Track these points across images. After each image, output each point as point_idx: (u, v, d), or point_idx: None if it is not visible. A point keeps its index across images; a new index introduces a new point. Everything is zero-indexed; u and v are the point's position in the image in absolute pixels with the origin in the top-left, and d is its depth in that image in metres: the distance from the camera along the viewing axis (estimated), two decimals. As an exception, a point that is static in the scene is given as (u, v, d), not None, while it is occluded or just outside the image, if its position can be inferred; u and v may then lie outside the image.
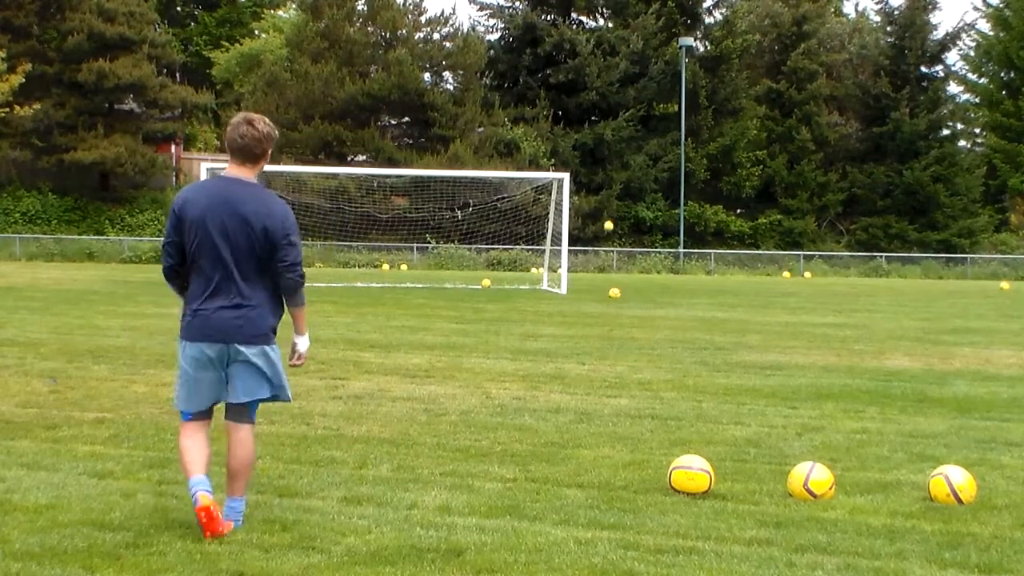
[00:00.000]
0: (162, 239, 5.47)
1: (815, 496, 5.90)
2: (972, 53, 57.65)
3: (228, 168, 5.09)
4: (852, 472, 6.64)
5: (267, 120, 5.10)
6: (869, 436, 7.88)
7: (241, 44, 54.22)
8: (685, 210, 47.64)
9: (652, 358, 12.48)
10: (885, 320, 19.33)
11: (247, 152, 5.03)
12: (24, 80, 40.02)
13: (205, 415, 5.32)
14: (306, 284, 5.19)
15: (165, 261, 5.15)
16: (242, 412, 5.24)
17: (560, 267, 27.13)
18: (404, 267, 39.67)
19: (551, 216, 29.06)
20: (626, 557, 4.84)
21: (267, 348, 5.10)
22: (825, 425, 8.30)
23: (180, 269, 5.12)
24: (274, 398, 5.25)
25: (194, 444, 5.19)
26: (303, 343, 5.28)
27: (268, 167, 32.96)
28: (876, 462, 6.99)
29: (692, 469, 6.05)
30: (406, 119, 48.47)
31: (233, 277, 4.97)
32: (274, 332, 5.15)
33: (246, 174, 5.07)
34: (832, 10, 57.04)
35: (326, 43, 45.84)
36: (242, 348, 5.04)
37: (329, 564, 4.65)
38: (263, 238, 4.94)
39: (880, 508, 5.81)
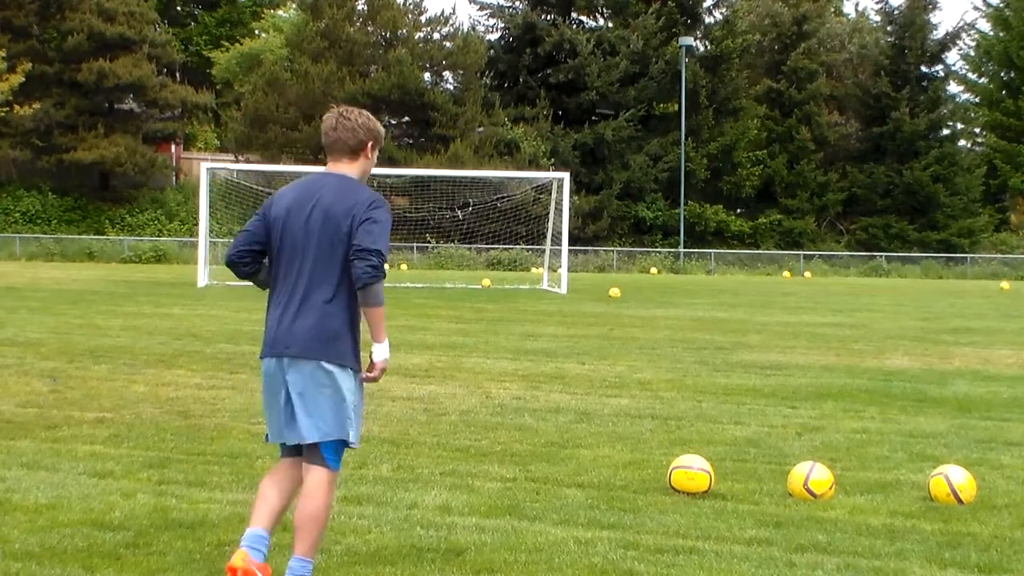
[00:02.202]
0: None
1: (815, 496, 5.90)
2: (972, 53, 57.66)
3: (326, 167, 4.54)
4: (852, 472, 6.64)
5: (366, 113, 4.52)
6: (869, 436, 7.88)
7: (241, 44, 54.19)
8: (685, 210, 47.64)
9: (652, 358, 12.48)
10: (885, 320, 19.33)
11: (341, 145, 4.43)
12: (24, 80, 40.02)
13: (291, 451, 4.44)
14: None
15: (229, 250, 4.51)
16: (312, 451, 4.34)
17: (560, 267, 27.13)
18: (404, 267, 39.66)
19: (551, 216, 29.06)
20: (626, 557, 4.84)
21: (333, 366, 4.34)
22: (825, 425, 8.30)
23: (243, 263, 4.45)
24: (339, 441, 4.37)
25: (268, 486, 4.43)
26: (379, 352, 4.44)
27: (269, 167, 32.82)
28: (876, 462, 6.99)
29: (692, 469, 6.05)
30: (406, 119, 48.46)
31: (304, 279, 4.30)
32: (353, 353, 4.40)
33: (343, 169, 4.44)
34: (832, 10, 57.04)
35: (326, 43, 45.82)
36: (302, 362, 4.28)
37: (329, 564, 4.65)
38: (341, 226, 4.23)
39: (880, 508, 5.81)
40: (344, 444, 4.39)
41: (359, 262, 4.18)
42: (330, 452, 4.33)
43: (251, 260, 4.45)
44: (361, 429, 4.54)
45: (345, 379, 4.38)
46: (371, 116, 4.52)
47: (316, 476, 4.29)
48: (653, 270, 43.82)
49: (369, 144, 4.45)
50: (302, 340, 4.26)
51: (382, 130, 4.55)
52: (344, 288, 4.29)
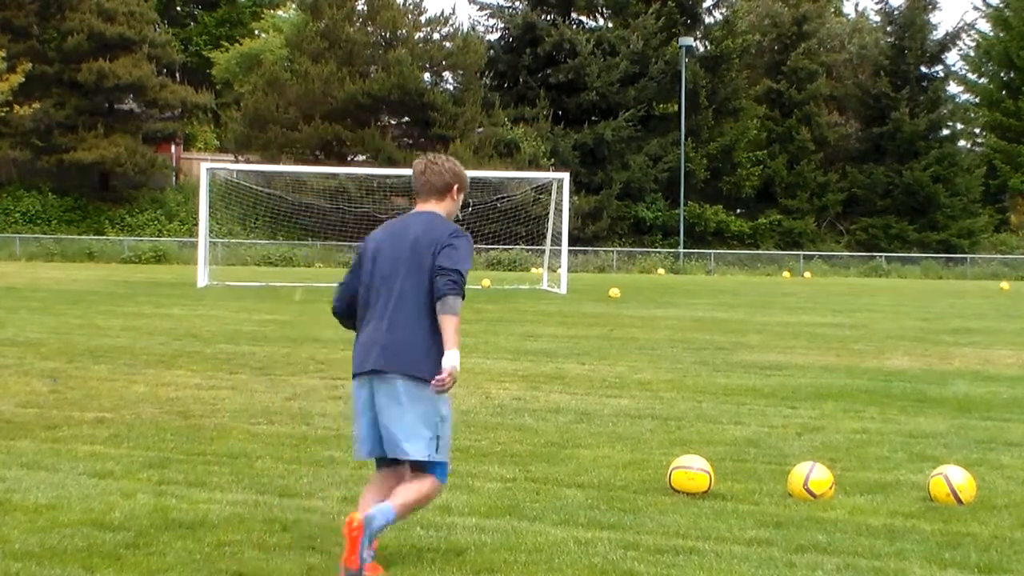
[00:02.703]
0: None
1: (815, 496, 5.90)
2: (972, 53, 57.65)
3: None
4: (852, 472, 6.64)
5: (452, 159, 4.93)
6: (869, 436, 7.88)
7: (241, 44, 54.18)
8: (685, 210, 47.63)
9: (652, 358, 12.48)
10: (885, 320, 19.33)
11: (429, 188, 4.82)
12: (24, 80, 40.01)
13: (388, 463, 4.68)
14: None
15: (334, 300, 4.94)
16: (419, 466, 4.63)
17: (560, 267, 27.13)
18: (404, 267, 39.60)
19: (551, 216, 29.05)
20: (626, 557, 4.84)
21: (416, 384, 4.53)
22: (825, 425, 8.30)
23: (346, 310, 4.86)
24: (428, 462, 4.58)
25: (369, 499, 4.66)
26: (449, 359, 4.53)
27: (269, 167, 32.83)
28: (876, 462, 6.99)
29: (692, 469, 6.05)
30: (406, 119, 48.45)
31: (392, 304, 4.61)
32: (435, 371, 4.53)
33: (430, 208, 4.83)
34: (832, 10, 57.03)
35: (326, 43, 45.82)
36: (395, 378, 4.53)
37: (329, 564, 4.65)
38: (425, 254, 4.59)
39: (880, 508, 5.81)
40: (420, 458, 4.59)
41: (440, 278, 4.53)
42: (438, 469, 4.64)
43: (348, 307, 4.85)
44: (449, 443, 4.73)
45: (429, 397, 4.58)
46: (457, 162, 4.92)
47: (424, 479, 4.60)
48: (660, 270, 43.84)
49: (455, 187, 4.85)
50: (393, 358, 4.55)
51: (467, 176, 4.95)
52: (429, 312, 4.60)
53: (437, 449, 4.57)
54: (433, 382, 4.49)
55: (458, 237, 4.66)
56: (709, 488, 6.00)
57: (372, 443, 4.63)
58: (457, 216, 4.96)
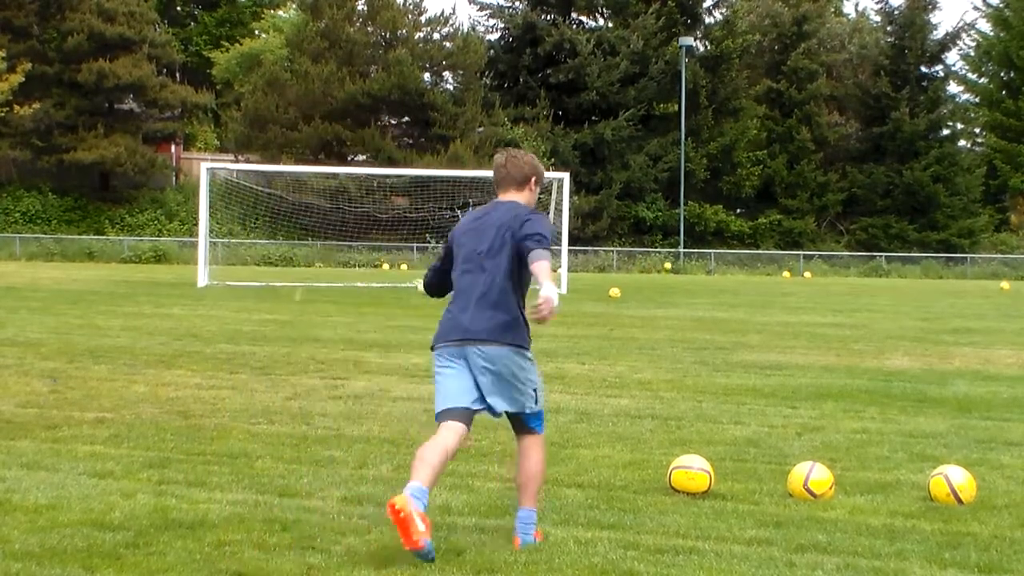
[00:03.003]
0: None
1: (815, 496, 5.89)
2: (972, 53, 57.66)
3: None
4: (852, 472, 6.64)
5: (531, 155, 5.35)
6: (869, 436, 7.87)
7: (241, 44, 54.20)
8: (685, 210, 47.64)
9: (652, 358, 12.48)
10: (885, 320, 19.33)
11: (509, 179, 5.19)
12: (24, 80, 40.01)
13: (458, 417, 5.02)
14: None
15: (426, 280, 5.46)
16: (518, 422, 5.14)
17: (560, 267, 27.13)
18: (404, 267, 39.66)
19: (551, 216, 29.05)
20: (626, 557, 4.84)
21: (514, 349, 5.01)
22: (825, 425, 8.30)
23: (436, 291, 5.42)
24: (527, 417, 5.07)
25: (429, 449, 4.94)
26: (546, 289, 4.79)
27: (269, 167, 32.93)
28: (876, 462, 6.99)
29: (692, 469, 6.05)
30: (406, 119, 48.47)
31: (482, 281, 5.01)
32: (527, 338, 5.11)
33: (510, 198, 5.19)
34: (832, 10, 57.05)
35: (326, 43, 45.83)
36: (491, 346, 4.95)
37: (329, 564, 4.65)
38: (507, 233, 4.97)
39: (880, 508, 5.81)
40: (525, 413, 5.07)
41: (526, 242, 4.89)
42: (535, 420, 5.10)
43: (439, 282, 5.36)
44: (544, 396, 5.24)
45: (524, 359, 5.06)
46: (534, 156, 5.36)
47: (528, 441, 5.09)
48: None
49: (533, 179, 5.21)
50: (487, 329, 4.94)
51: (543, 169, 5.32)
52: (516, 284, 5.05)
53: (536, 401, 5.06)
54: (535, 305, 4.76)
55: (534, 213, 5.06)
56: (709, 488, 5.99)
57: (459, 399, 4.96)
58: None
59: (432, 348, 5.09)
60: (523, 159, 5.23)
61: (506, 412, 5.06)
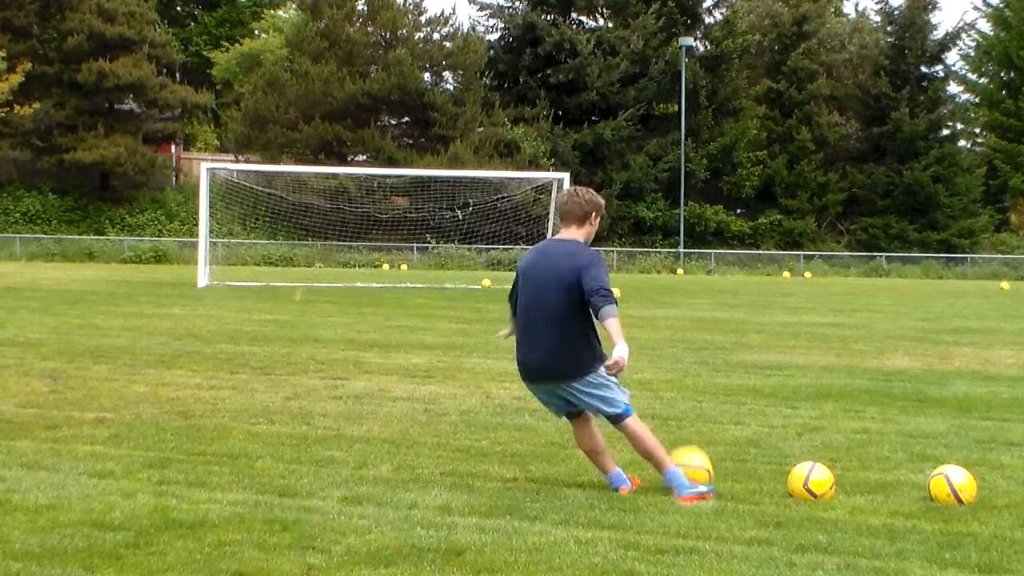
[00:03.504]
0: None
1: (815, 496, 5.89)
2: (972, 53, 57.62)
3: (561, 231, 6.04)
4: (852, 472, 6.64)
5: (592, 191, 6.05)
6: (869, 436, 7.88)
7: (241, 44, 54.17)
8: (685, 210, 47.63)
9: (652, 358, 12.48)
10: (885, 320, 19.33)
11: (570, 215, 5.96)
12: (24, 80, 40.00)
13: (575, 417, 6.11)
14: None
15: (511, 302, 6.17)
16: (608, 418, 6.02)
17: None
18: (404, 267, 39.67)
19: (551, 216, 29.05)
20: (626, 557, 4.84)
21: (588, 377, 5.81)
22: (825, 425, 8.30)
23: (514, 311, 6.11)
24: (612, 416, 5.94)
25: (583, 445, 6.13)
26: (619, 350, 5.52)
27: (269, 167, 32.99)
28: (876, 462, 6.99)
29: (692, 466, 6.05)
30: (406, 119, 48.46)
31: (542, 319, 5.83)
32: (593, 359, 5.82)
33: (572, 233, 5.96)
34: (832, 10, 57.02)
35: (326, 43, 45.82)
36: (554, 380, 5.88)
37: (329, 564, 4.65)
38: (568, 276, 5.71)
39: (880, 508, 5.81)
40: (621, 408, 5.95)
41: (593, 298, 5.62)
42: (619, 412, 5.92)
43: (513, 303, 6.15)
44: (625, 391, 6.04)
45: (595, 378, 5.83)
46: (595, 193, 6.04)
47: (626, 426, 5.94)
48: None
49: (593, 214, 5.96)
50: (558, 367, 5.82)
51: (602, 202, 6.07)
52: (575, 320, 5.77)
53: (614, 403, 5.88)
54: (608, 365, 5.60)
55: (594, 261, 5.77)
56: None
57: (560, 409, 6.07)
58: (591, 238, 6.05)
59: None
60: (584, 197, 5.94)
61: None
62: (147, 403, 8.70)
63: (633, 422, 5.94)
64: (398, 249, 42.02)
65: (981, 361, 12.86)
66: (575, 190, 6.04)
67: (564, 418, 6.19)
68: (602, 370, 5.77)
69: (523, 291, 5.94)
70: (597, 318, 5.62)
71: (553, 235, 6.07)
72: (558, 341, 5.76)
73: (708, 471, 6.06)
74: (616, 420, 5.93)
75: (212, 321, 16.09)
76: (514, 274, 6.11)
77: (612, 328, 5.53)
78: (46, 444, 7.03)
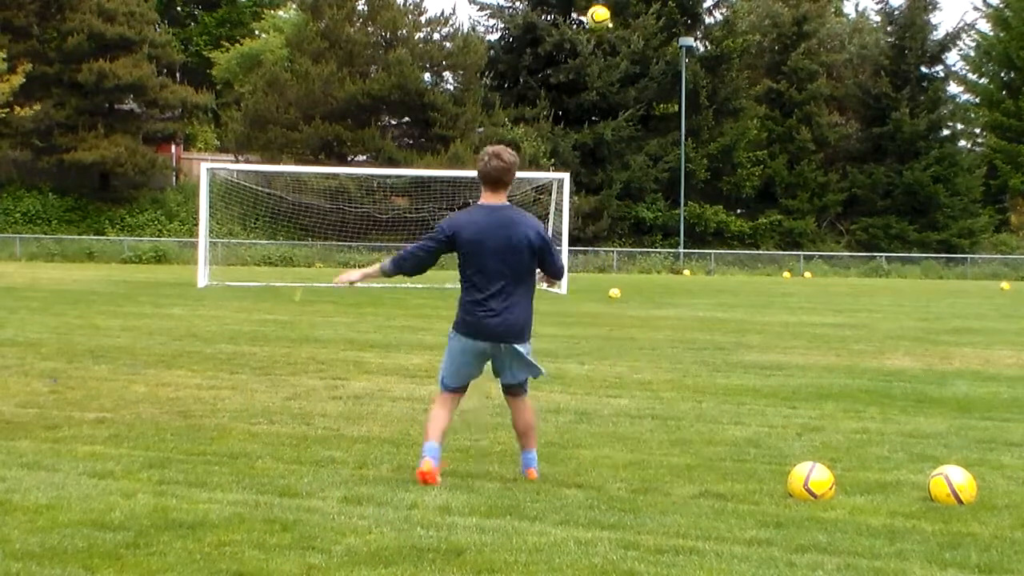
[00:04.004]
0: (427, 245, 6.22)
1: (815, 496, 5.89)
2: (972, 53, 57.62)
3: (484, 196, 6.14)
4: (852, 472, 6.64)
5: (510, 151, 6.14)
6: (869, 436, 7.88)
7: (241, 44, 54.17)
8: (685, 210, 47.63)
9: (652, 358, 12.48)
10: (885, 320, 19.33)
11: (498, 181, 6.09)
12: (24, 80, 39.99)
13: (461, 391, 6.39)
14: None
15: (412, 261, 6.22)
16: (517, 388, 6.32)
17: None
18: (404, 267, 39.57)
19: (551, 216, 29.05)
20: (626, 557, 4.84)
21: (527, 344, 6.20)
22: (825, 425, 8.30)
23: (413, 273, 6.28)
24: (533, 376, 6.32)
25: (442, 413, 6.28)
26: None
27: (269, 167, 33.02)
28: (876, 462, 6.99)
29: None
30: (406, 119, 48.45)
31: (509, 288, 6.07)
32: (530, 331, 6.23)
33: (500, 199, 6.14)
34: (832, 10, 57.01)
35: (326, 43, 45.80)
36: (514, 345, 6.11)
37: (329, 564, 4.65)
38: (532, 253, 6.08)
39: (880, 508, 5.81)
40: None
41: (556, 270, 6.32)
42: (526, 384, 6.37)
43: (416, 274, 6.37)
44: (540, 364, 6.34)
45: (528, 346, 6.25)
46: (514, 152, 6.18)
47: (522, 400, 6.36)
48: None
49: (514, 176, 6.15)
50: (513, 331, 6.11)
51: (517, 159, 6.22)
52: (532, 285, 6.24)
53: (537, 369, 6.25)
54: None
55: (549, 237, 6.24)
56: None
57: (463, 379, 6.30)
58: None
59: None
60: (508, 161, 6.08)
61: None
62: (147, 403, 8.70)
63: (528, 398, 6.42)
64: (398, 249, 41.90)
65: (981, 361, 12.86)
66: (497, 152, 6.08)
67: (449, 391, 6.34)
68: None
69: (483, 258, 6.03)
70: (559, 279, 6.50)
71: (478, 202, 6.17)
72: (525, 303, 6.16)
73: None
74: (524, 388, 6.32)
75: (212, 321, 16.08)
76: (440, 238, 6.14)
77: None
78: (46, 444, 7.03)
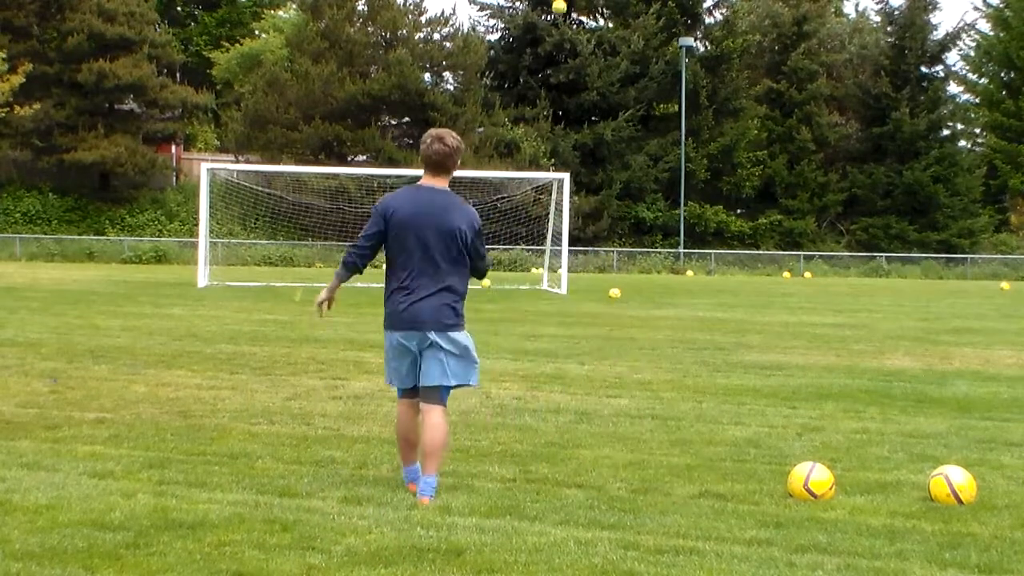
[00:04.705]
0: (366, 232, 5.92)
1: (815, 496, 5.89)
2: (972, 53, 57.63)
3: (424, 179, 5.84)
4: (852, 472, 6.64)
5: (455, 135, 5.83)
6: (869, 436, 7.87)
7: (241, 44, 54.17)
8: (685, 210, 47.63)
9: (652, 358, 12.47)
10: (885, 320, 19.33)
11: (440, 165, 5.80)
12: (24, 80, 40.01)
13: (413, 392, 5.88)
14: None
15: (355, 252, 5.87)
16: (432, 395, 5.76)
17: (560, 267, 27.13)
18: (404, 267, 39.59)
19: (551, 216, 29.05)
20: (626, 557, 4.84)
21: (459, 339, 5.72)
22: (825, 425, 8.30)
23: (362, 264, 5.89)
24: (459, 385, 5.80)
25: (403, 423, 5.91)
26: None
27: (269, 167, 33.03)
28: (876, 462, 6.99)
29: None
30: (406, 119, 48.45)
31: (428, 273, 5.69)
32: (463, 318, 5.80)
33: (440, 183, 5.83)
34: (832, 10, 57.02)
35: (326, 43, 45.82)
36: (436, 336, 5.66)
37: (329, 564, 4.65)
38: (465, 239, 5.73)
39: (880, 508, 5.81)
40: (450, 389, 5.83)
41: (481, 262, 5.91)
42: (445, 393, 5.80)
43: (364, 264, 5.94)
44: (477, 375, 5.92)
45: (459, 339, 5.74)
46: (458, 137, 5.86)
47: (436, 411, 5.73)
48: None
49: (458, 161, 5.84)
50: (435, 318, 5.67)
51: (463, 145, 5.90)
52: (458, 278, 5.77)
53: (469, 374, 5.81)
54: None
55: (480, 227, 5.85)
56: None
57: (412, 379, 5.79)
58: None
59: None
60: (452, 146, 5.77)
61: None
62: (147, 403, 8.70)
63: (446, 415, 5.82)
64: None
65: (981, 361, 12.86)
66: (440, 136, 5.77)
67: (400, 395, 5.94)
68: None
69: (410, 240, 5.69)
70: (481, 275, 6.01)
71: (420, 184, 5.82)
72: (450, 294, 5.72)
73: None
74: (441, 399, 5.75)
75: (212, 321, 16.08)
76: (377, 219, 5.84)
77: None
78: (46, 444, 7.02)
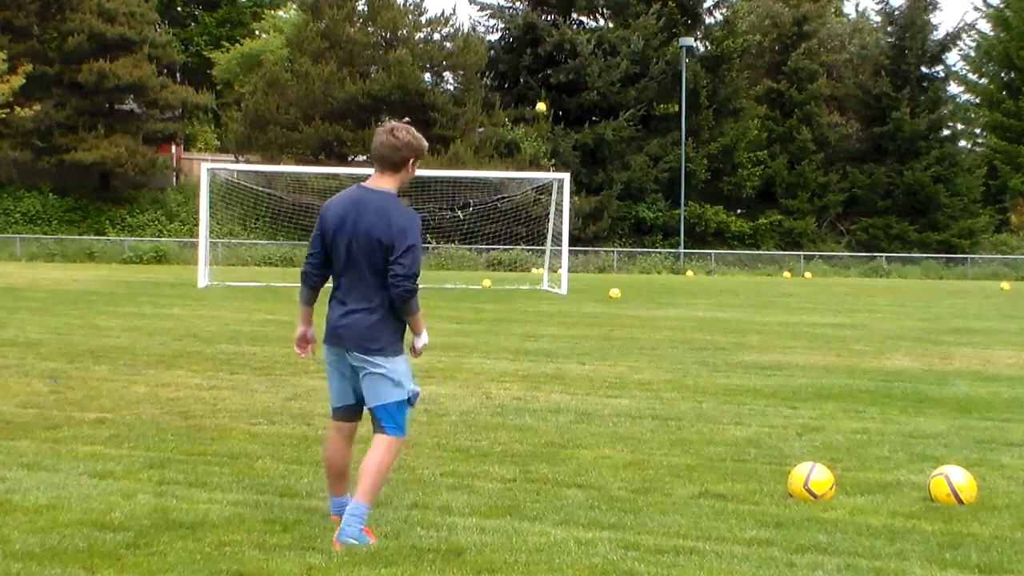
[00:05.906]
0: (311, 241, 5.46)
1: (815, 496, 5.89)
2: (972, 53, 57.62)
3: (371, 177, 5.26)
4: (852, 472, 6.64)
5: (411, 129, 5.28)
6: (869, 436, 7.87)
7: (241, 44, 54.17)
8: (685, 210, 47.63)
9: (652, 358, 12.47)
10: (885, 320, 19.33)
11: (384, 160, 5.19)
12: (25, 81, 40.00)
13: (347, 416, 5.38)
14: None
15: (307, 263, 5.35)
16: (375, 419, 5.29)
17: (560, 267, 27.13)
18: (404, 267, 39.55)
19: (551, 216, 29.05)
20: (626, 557, 4.84)
21: (382, 358, 5.13)
22: (825, 425, 8.30)
23: (317, 274, 5.30)
24: (398, 404, 5.25)
25: (330, 450, 5.38)
26: (420, 341, 5.41)
27: (269, 167, 32.92)
28: (876, 462, 6.99)
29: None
30: (406, 119, 48.15)
31: (356, 285, 5.12)
32: (399, 340, 5.22)
33: (385, 183, 5.20)
34: (832, 10, 57.01)
35: (326, 43, 45.81)
36: (359, 355, 5.12)
37: (329, 564, 4.65)
38: (380, 249, 5.03)
39: (880, 508, 5.81)
40: (401, 409, 5.26)
41: (396, 287, 5.03)
42: (388, 419, 5.20)
43: (318, 271, 5.32)
44: (413, 387, 5.37)
45: (385, 364, 5.16)
46: (416, 132, 5.28)
47: (379, 438, 5.19)
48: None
49: (412, 160, 5.21)
50: (358, 336, 5.09)
51: (425, 146, 5.33)
52: (384, 293, 5.08)
53: (410, 401, 5.28)
54: (414, 348, 5.41)
55: (415, 239, 5.05)
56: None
57: (342, 398, 5.31)
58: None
59: None
60: (401, 140, 5.17)
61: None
62: (147, 403, 8.70)
63: (397, 442, 5.23)
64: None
65: (981, 361, 12.86)
66: (393, 129, 5.21)
67: (333, 416, 5.38)
68: (408, 355, 5.30)
69: (338, 245, 5.13)
70: (399, 308, 5.07)
71: (364, 182, 5.22)
72: (378, 309, 5.07)
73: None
74: (382, 425, 5.20)
75: (212, 321, 16.08)
76: (329, 232, 5.24)
77: (417, 322, 5.19)
78: (46, 444, 7.03)
